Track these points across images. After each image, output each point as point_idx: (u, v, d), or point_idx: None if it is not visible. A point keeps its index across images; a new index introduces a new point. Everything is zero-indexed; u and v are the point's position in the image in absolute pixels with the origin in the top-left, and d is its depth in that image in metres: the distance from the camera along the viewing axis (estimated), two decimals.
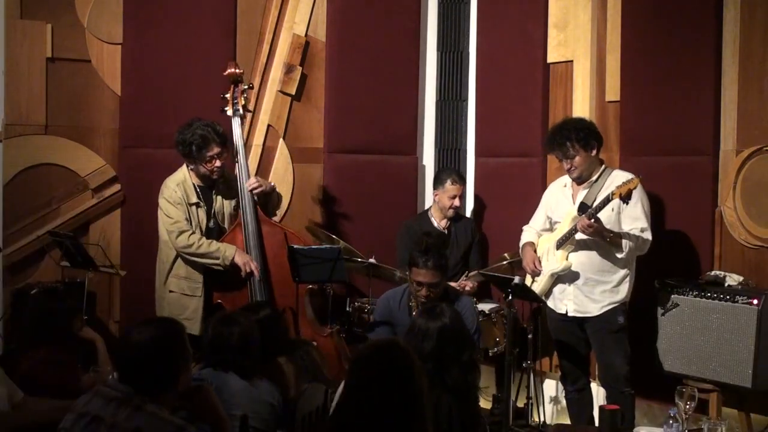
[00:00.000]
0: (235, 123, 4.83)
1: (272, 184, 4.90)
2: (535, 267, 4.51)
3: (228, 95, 4.87)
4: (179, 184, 4.71)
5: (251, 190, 4.70)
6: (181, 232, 4.64)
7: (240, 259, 4.62)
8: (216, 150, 4.65)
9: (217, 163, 4.67)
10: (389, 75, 5.98)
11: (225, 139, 4.71)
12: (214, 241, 4.68)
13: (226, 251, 4.63)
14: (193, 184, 4.75)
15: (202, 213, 4.75)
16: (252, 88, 5.14)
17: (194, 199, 4.73)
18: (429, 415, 2.44)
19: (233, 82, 4.88)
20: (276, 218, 5.01)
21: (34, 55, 5.39)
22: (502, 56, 5.74)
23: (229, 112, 4.84)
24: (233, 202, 4.83)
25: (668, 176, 4.80)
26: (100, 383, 2.74)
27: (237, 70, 4.88)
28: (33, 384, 3.55)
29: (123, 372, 2.66)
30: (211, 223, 4.78)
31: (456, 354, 3.27)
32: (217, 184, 4.81)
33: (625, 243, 4.25)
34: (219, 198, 4.81)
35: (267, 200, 4.85)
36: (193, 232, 4.66)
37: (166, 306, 4.73)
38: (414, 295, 4.20)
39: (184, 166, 4.78)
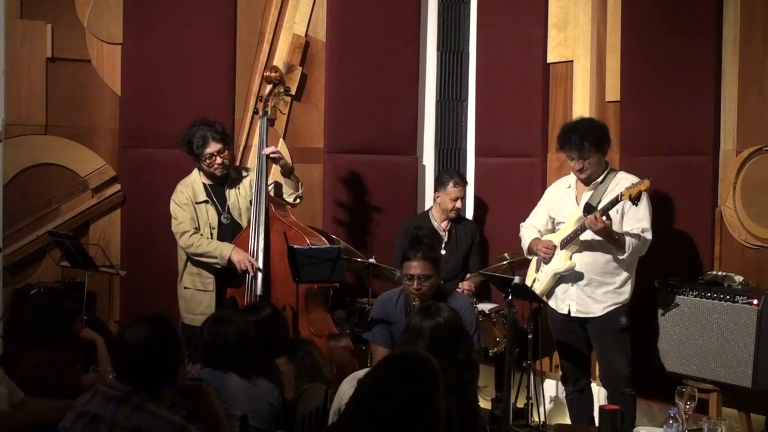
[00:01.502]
0: (261, 123, 4.86)
1: (291, 164, 4.93)
2: (549, 250, 4.48)
3: (263, 95, 4.93)
4: (188, 186, 4.82)
5: (270, 155, 4.75)
6: (183, 233, 4.75)
7: (236, 256, 4.68)
8: (215, 147, 4.73)
9: (218, 161, 4.75)
10: (389, 75, 5.99)
11: (225, 137, 4.80)
12: (213, 240, 4.75)
13: (223, 250, 4.69)
14: (203, 183, 4.83)
15: (211, 210, 4.81)
16: (288, 90, 5.10)
17: (202, 198, 4.81)
18: (443, 418, 2.39)
19: (268, 84, 4.92)
20: (289, 207, 4.98)
21: (34, 55, 5.39)
22: (502, 56, 5.74)
23: (259, 113, 4.90)
24: (248, 197, 4.87)
25: (668, 176, 4.80)
26: (100, 383, 2.73)
27: (272, 74, 4.90)
28: (33, 384, 3.55)
29: (120, 371, 2.66)
30: (224, 219, 4.83)
31: (450, 353, 3.25)
32: (230, 180, 4.87)
33: (629, 243, 4.25)
34: (233, 193, 4.87)
35: (286, 176, 4.89)
36: (195, 233, 4.74)
37: (183, 303, 4.87)
38: (407, 292, 4.17)
39: (195, 168, 4.88)
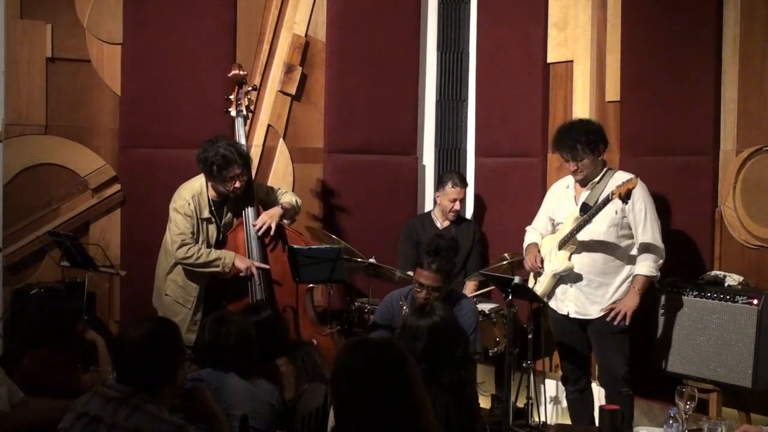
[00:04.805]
0: (239, 123, 4.86)
1: (280, 211, 4.80)
2: (535, 263, 4.50)
3: (232, 96, 4.91)
4: (194, 196, 4.68)
5: (259, 233, 4.70)
6: (183, 245, 4.62)
7: (241, 264, 4.65)
8: (237, 171, 4.62)
9: (237, 184, 4.64)
10: (389, 75, 5.99)
11: (246, 161, 4.70)
12: (213, 250, 4.67)
13: (226, 258, 4.63)
14: (209, 197, 4.73)
15: (212, 228, 4.75)
16: (256, 89, 5.14)
17: (206, 214, 4.72)
18: (428, 404, 2.35)
19: (237, 84, 4.91)
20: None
21: (34, 55, 5.38)
22: (502, 56, 5.74)
23: (233, 113, 4.90)
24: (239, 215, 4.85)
25: (668, 176, 4.80)
26: (99, 383, 2.74)
27: (241, 72, 4.91)
28: (33, 384, 3.55)
29: (121, 370, 2.67)
30: (221, 237, 4.79)
31: (449, 351, 3.27)
32: (230, 199, 4.79)
33: (649, 268, 4.27)
34: (229, 213, 4.82)
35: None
36: (193, 245, 4.64)
37: (161, 309, 4.76)
38: (414, 295, 4.18)
39: (202, 176, 4.73)
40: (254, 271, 4.65)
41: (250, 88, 4.97)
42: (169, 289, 4.75)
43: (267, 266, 4.70)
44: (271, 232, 4.71)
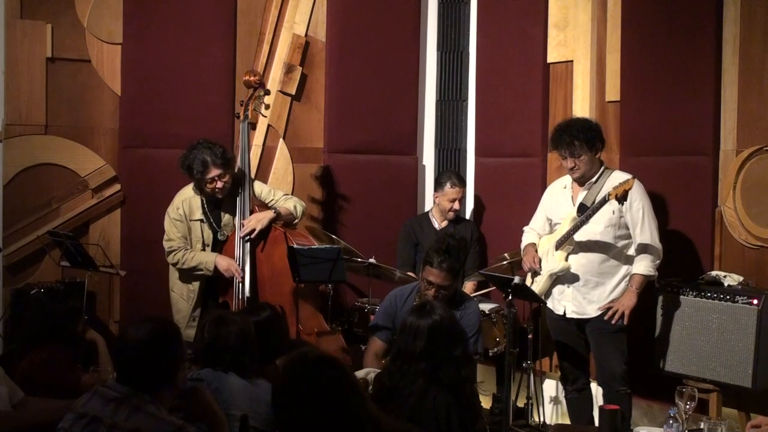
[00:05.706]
0: (243, 128, 4.87)
1: (271, 215, 4.80)
2: (534, 264, 4.51)
3: (244, 99, 4.94)
4: (185, 200, 4.80)
5: (246, 239, 4.73)
6: (170, 251, 4.77)
7: (222, 263, 4.71)
8: (216, 172, 4.68)
9: (218, 185, 4.71)
10: (389, 75, 5.99)
11: (226, 161, 4.73)
12: (197, 253, 4.76)
13: (207, 261, 4.72)
14: (201, 200, 4.81)
15: (206, 228, 4.82)
16: (268, 93, 5.09)
17: (198, 216, 4.80)
18: (371, 409, 2.39)
19: (248, 88, 4.92)
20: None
21: (34, 55, 5.38)
22: (502, 56, 5.74)
23: (240, 117, 4.90)
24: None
25: (668, 176, 4.80)
26: (100, 383, 2.74)
27: (251, 77, 4.92)
28: (33, 384, 3.55)
29: (121, 370, 2.67)
30: (220, 236, 4.84)
31: (449, 350, 3.27)
32: (225, 200, 4.83)
33: (647, 267, 4.27)
34: (227, 215, 4.85)
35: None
36: (179, 250, 4.74)
37: (172, 304, 4.90)
38: (422, 293, 4.18)
39: None
40: (233, 270, 4.68)
41: (262, 93, 4.96)
42: (175, 286, 4.88)
43: (238, 273, 4.70)
44: (253, 235, 4.73)
